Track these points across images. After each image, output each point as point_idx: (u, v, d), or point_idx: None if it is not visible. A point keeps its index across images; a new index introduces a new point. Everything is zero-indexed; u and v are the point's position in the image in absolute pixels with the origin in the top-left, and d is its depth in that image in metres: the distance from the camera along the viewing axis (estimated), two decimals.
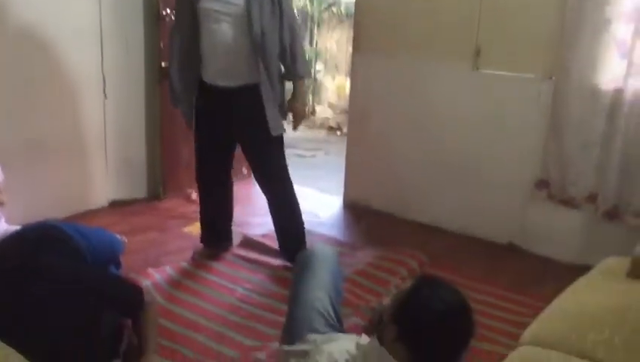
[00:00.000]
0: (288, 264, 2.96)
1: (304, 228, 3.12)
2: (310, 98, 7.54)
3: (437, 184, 3.69)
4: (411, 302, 1.47)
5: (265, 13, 2.68)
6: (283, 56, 2.80)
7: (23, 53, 3.21)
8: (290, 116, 3.00)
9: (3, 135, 3.16)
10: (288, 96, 2.95)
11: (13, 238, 2.33)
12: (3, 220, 3.02)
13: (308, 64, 2.96)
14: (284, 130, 2.90)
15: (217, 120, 2.89)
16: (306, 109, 2.97)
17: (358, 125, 4.07)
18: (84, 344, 1.89)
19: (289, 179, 3.06)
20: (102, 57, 3.57)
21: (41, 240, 2.27)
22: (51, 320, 1.88)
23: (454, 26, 3.45)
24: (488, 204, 3.49)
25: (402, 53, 3.68)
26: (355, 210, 4.02)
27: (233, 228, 3.25)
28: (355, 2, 3.98)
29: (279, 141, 2.93)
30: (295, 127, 3.03)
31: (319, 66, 7.53)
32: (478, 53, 3.37)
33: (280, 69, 2.84)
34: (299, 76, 2.87)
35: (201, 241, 3.20)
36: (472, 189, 3.55)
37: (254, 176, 3.08)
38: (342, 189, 4.21)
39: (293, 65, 2.82)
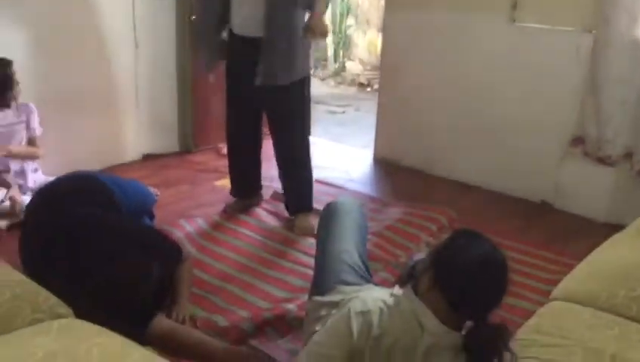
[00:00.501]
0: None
1: (311, 189, 3.09)
2: (340, 54, 7.46)
3: (469, 141, 3.64)
4: (448, 250, 1.49)
5: None
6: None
7: (56, 5, 3.23)
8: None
9: (40, 88, 3.20)
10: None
11: (52, 187, 2.39)
12: (40, 171, 3.10)
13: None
14: (284, 82, 2.75)
15: (245, 72, 2.82)
16: (326, 28, 2.75)
17: (390, 81, 4.02)
18: (135, 294, 1.94)
19: (303, 139, 3.00)
20: (133, 7, 3.57)
21: (78, 191, 2.32)
22: (99, 268, 1.93)
23: None
24: (522, 161, 3.44)
25: (436, 7, 3.60)
26: (385, 166, 4.01)
27: (263, 182, 3.27)
28: None
29: (300, 97, 2.87)
30: (312, 38, 2.77)
31: (350, 21, 7.42)
32: (514, 5, 3.28)
33: (300, 20, 2.72)
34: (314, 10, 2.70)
35: (231, 194, 3.23)
36: (505, 146, 3.50)
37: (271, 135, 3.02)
38: (372, 146, 4.19)
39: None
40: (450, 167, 3.73)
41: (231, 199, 3.22)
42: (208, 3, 2.84)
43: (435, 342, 1.43)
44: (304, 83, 2.91)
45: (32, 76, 3.14)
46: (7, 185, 2.84)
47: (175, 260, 2.24)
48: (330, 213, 2.06)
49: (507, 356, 1.39)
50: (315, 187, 3.42)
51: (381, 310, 1.50)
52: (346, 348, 1.47)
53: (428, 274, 1.48)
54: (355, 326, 1.47)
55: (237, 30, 2.80)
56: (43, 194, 2.36)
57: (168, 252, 2.25)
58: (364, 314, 1.49)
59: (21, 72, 3.00)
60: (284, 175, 3.07)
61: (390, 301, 1.53)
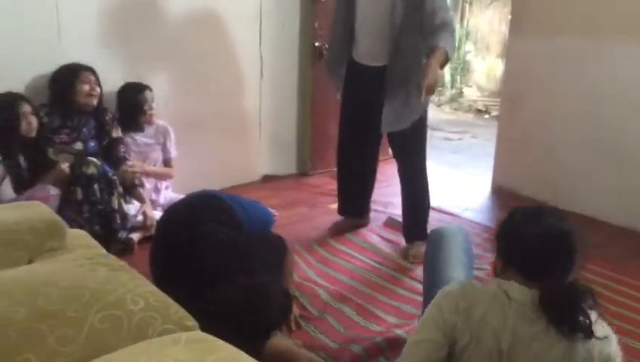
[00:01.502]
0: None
1: (427, 217, 3.08)
2: (458, 79, 7.36)
3: (596, 173, 3.45)
4: (506, 224, 1.54)
5: (409, 3, 2.66)
6: (426, 37, 2.71)
7: (190, 33, 3.45)
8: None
9: (173, 110, 3.42)
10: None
11: (180, 205, 2.53)
12: (170, 189, 3.30)
13: (452, 43, 2.74)
14: (404, 126, 2.81)
15: (363, 98, 2.93)
16: (435, 80, 2.65)
17: (511, 109, 3.90)
18: (257, 313, 2.00)
19: (423, 166, 3.01)
20: (260, 38, 3.74)
21: (204, 209, 2.44)
22: (223, 286, 2.01)
23: (625, 2, 3.18)
24: None
25: (565, 34, 3.47)
26: (503, 196, 3.88)
27: (376, 206, 3.27)
28: None
29: (418, 128, 2.89)
30: (424, 99, 2.70)
31: (469, 47, 7.32)
32: None
33: (421, 57, 2.74)
34: (436, 44, 2.66)
35: (339, 212, 3.29)
36: (636, 179, 3.28)
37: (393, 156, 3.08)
38: (489, 174, 4.08)
39: (435, 35, 2.68)
40: (575, 200, 3.54)
41: (339, 217, 3.28)
42: (339, 34, 2.94)
43: (522, 308, 1.42)
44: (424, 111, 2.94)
45: (168, 99, 3.37)
46: (141, 200, 3.03)
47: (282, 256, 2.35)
48: (435, 240, 2.04)
49: (593, 315, 1.38)
50: (431, 215, 3.38)
51: (467, 286, 1.52)
52: (439, 327, 1.47)
53: (498, 257, 1.53)
54: (444, 303, 1.49)
55: (359, 59, 2.89)
56: (172, 211, 2.50)
57: (277, 251, 2.35)
58: (451, 292, 1.52)
59: (159, 95, 3.23)
60: (404, 200, 3.07)
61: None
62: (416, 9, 2.68)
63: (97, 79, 2.95)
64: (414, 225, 3.05)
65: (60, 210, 2.60)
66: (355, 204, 3.28)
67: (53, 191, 2.69)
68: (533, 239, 1.45)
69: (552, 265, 1.44)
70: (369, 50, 2.85)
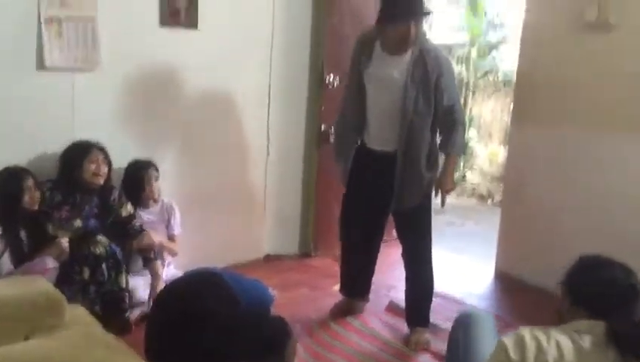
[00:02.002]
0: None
1: (431, 303, 3.08)
2: (461, 165, 7.46)
3: None
4: (577, 268, 1.76)
5: (421, 92, 2.77)
6: (440, 130, 2.87)
7: (201, 113, 3.54)
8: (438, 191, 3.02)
9: (179, 187, 3.46)
10: None
11: (179, 282, 2.51)
12: (172, 266, 3.28)
13: (463, 143, 3.00)
14: (412, 205, 2.90)
15: (372, 181, 2.98)
16: (454, 185, 3.04)
17: (514, 196, 3.94)
18: None
19: (428, 250, 3.04)
20: (268, 118, 3.83)
21: (202, 287, 2.42)
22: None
23: (628, 96, 3.27)
24: None
25: (566, 123, 3.54)
26: (507, 283, 3.85)
27: (380, 289, 3.25)
28: (517, 71, 3.92)
29: (424, 210, 2.97)
30: (442, 203, 3.04)
31: (472, 133, 7.45)
32: None
33: (428, 146, 2.87)
34: (449, 152, 2.92)
35: (341, 291, 3.29)
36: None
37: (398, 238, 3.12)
38: (493, 260, 4.06)
39: (447, 140, 2.88)
40: None
41: (339, 296, 3.27)
42: (349, 120, 3.02)
43: (595, 340, 1.53)
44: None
45: (175, 176, 3.42)
46: (156, 275, 3.02)
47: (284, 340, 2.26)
48: (463, 326, 2.00)
49: None
50: (434, 300, 3.35)
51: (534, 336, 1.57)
52: None
53: (565, 297, 1.70)
54: (509, 343, 1.55)
55: (370, 144, 2.97)
56: (168, 289, 2.47)
57: (279, 334, 2.27)
58: (517, 336, 1.57)
59: (167, 172, 3.28)
60: (408, 284, 3.06)
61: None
62: (429, 99, 2.79)
63: (107, 158, 2.98)
64: (417, 311, 3.02)
65: (59, 286, 2.58)
66: (357, 284, 3.27)
67: (52, 264, 2.67)
68: (604, 280, 1.65)
69: (619, 304, 1.60)
70: (380, 135, 2.92)
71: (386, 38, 2.82)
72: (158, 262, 3.09)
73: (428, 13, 2.86)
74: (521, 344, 1.54)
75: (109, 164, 3.00)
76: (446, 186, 2.94)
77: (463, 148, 3.07)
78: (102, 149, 2.97)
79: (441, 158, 2.98)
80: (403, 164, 2.84)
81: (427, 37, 2.91)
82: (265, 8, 3.69)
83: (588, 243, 3.47)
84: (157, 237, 3.16)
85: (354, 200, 3.11)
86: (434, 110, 2.81)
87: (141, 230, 3.07)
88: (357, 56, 2.96)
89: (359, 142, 3.01)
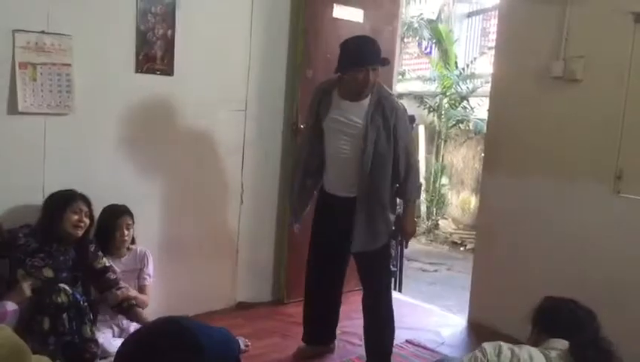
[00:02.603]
0: None
1: (391, 350, 3.11)
2: (434, 211, 7.52)
3: None
4: (543, 304, 2.24)
5: (381, 137, 2.87)
6: (396, 178, 2.95)
7: (176, 160, 3.53)
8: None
9: (152, 234, 3.42)
10: None
11: (141, 333, 2.45)
12: (143, 315, 3.20)
13: (419, 188, 3.14)
14: (376, 247, 2.96)
15: (333, 227, 3.05)
16: (414, 229, 3.20)
17: (486, 243, 3.97)
18: None
19: (388, 295, 3.11)
20: (242, 166, 3.84)
21: (164, 336, 2.36)
22: None
23: (592, 146, 3.36)
24: (636, 334, 3.19)
25: (535, 173, 3.62)
26: (480, 332, 3.83)
27: (351, 338, 3.23)
28: (487, 121, 4.02)
29: (383, 256, 3.06)
30: (406, 245, 3.30)
31: (444, 181, 7.55)
32: (619, 176, 3.24)
33: (388, 190, 2.95)
34: (407, 198, 3.04)
35: (303, 339, 3.29)
36: (614, 320, 3.27)
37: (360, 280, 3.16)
38: (465, 308, 4.06)
39: (404, 188, 2.99)
40: None
41: (302, 344, 3.29)
42: (307, 166, 3.09)
43: (560, 353, 1.97)
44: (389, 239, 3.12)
45: (148, 222, 3.38)
46: (142, 321, 2.96)
47: None
48: None
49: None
50: (406, 348, 3.34)
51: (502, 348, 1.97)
52: None
53: (534, 327, 2.15)
54: (488, 347, 1.96)
55: (329, 190, 3.05)
56: (129, 340, 2.41)
57: None
58: (495, 343, 1.97)
59: (139, 219, 3.24)
60: (367, 330, 3.09)
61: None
62: (389, 142, 2.89)
63: (90, 210, 2.93)
64: (379, 358, 3.05)
65: (22, 335, 2.50)
66: (321, 331, 3.30)
67: (11, 307, 2.58)
68: (566, 311, 2.12)
69: (579, 327, 2.05)
70: (340, 181, 3.00)
71: (345, 85, 2.93)
72: (139, 309, 3.02)
73: (385, 61, 2.94)
74: (498, 348, 1.93)
75: (92, 217, 2.95)
76: (408, 230, 3.08)
77: (419, 193, 3.22)
78: (87, 201, 2.92)
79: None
80: (363, 209, 2.90)
81: (383, 86, 3.02)
82: (241, 58, 3.74)
83: (558, 290, 3.51)
84: (131, 290, 3.09)
85: (315, 246, 3.20)
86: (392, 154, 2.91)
87: (116, 284, 3.00)
88: (315, 103, 3.05)
89: (319, 188, 3.09)
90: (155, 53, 3.33)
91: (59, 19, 2.97)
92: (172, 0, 3.35)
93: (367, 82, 2.84)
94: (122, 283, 3.03)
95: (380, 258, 3.03)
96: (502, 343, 1.95)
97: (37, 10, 2.91)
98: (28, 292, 2.66)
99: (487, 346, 1.94)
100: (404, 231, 3.08)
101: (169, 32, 3.36)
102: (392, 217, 3.02)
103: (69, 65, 3.02)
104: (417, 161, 3.11)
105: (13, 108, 2.89)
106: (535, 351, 1.93)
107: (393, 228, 3.04)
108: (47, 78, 2.96)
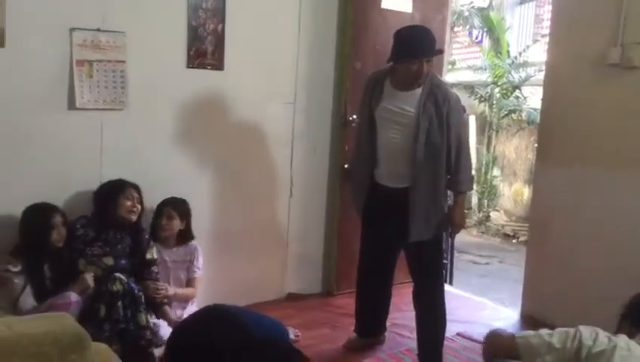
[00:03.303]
0: None
1: (442, 343, 3.07)
2: (485, 203, 7.40)
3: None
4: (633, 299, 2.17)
5: (433, 126, 2.83)
6: (448, 169, 2.90)
7: (228, 154, 3.60)
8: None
9: (204, 227, 3.48)
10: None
11: (189, 321, 2.51)
12: (195, 305, 3.29)
13: (471, 180, 3.08)
14: (430, 236, 2.93)
15: (383, 218, 3.03)
16: (464, 221, 3.15)
17: (539, 235, 3.88)
18: None
19: (440, 287, 3.07)
20: (291, 159, 3.87)
21: (214, 323, 2.41)
22: None
23: None
24: None
25: (591, 163, 3.51)
26: (533, 325, 3.76)
27: (402, 330, 3.23)
28: (541, 110, 3.92)
29: (435, 246, 3.01)
30: (452, 236, 3.19)
31: (496, 172, 7.42)
32: None
33: (442, 179, 2.92)
34: (458, 190, 2.98)
35: (355, 331, 3.29)
36: None
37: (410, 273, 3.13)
38: (518, 301, 3.99)
39: (455, 179, 2.92)
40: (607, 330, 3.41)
41: (354, 335, 3.30)
42: (363, 156, 3.08)
43: None
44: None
45: (199, 215, 3.44)
46: (168, 320, 3.01)
47: None
48: None
49: None
50: (457, 341, 3.31)
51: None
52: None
53: (625, 320, 2.04)
54: (585, 331, 1.82)
55: (381, 181, 3.02)
56: (180, 328, 2.48)
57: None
58: (592, 328, 1.84)
59: (194, 211, 3.32)
60: (419, 323, 3.06)
61: None
62: (441, 131, 2.84)
63: (140, 197, 3.04)
64: (429, 353, 3.03)
65: (83, 325, 2.60)
66: (372, 322, 3.30)
67: (75, 298, 2.71)
68: None
69: None
70: (391, 172, 2.96)
71: (398, 76, 2.90)
72: (167, 308, 3.08)
73: (439, 52, 2.91)
74: (595, 334, 1.79)
75: (142, 203, 3.05)
76: (457, 221, 3.02)
77: (471, 184, 3.14)
78: (136, 188, 3.03)
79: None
80: (416, 199, 2.88)
81: (436, 75, 2.99)
82: (289, 51, 3.77)
83: (614, 282, 3.41)
84: (168, 288, 3.15)
85: (366, 238, 3.18)
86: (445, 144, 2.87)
87: (157, 278, 3.08)
88: (368, 93, 3.03)
89: (371, 179, 3.06)
90: (205, 48, 3.38)
91: (113, 17, 3.06)
92: None
93: (421, 74, 2.81)
94: (160, 282, 3.09)
95: (432, 249, 2.99)
96: (599, 329, 1.83)
97: (93, 8, 3.01)
98: (91, 282, 2.77)
99: (584, 329, 1.82)
100: (453, 222, 3.02)
101: (219, 26, 3.41)
102: (445, 208, 2.99)
103: (124, 61, 3.10)
104: (469, 152, 3.04)
105: (71, 104, 3.00)
106: (632, 343, 1.81)
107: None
108: (102, 74, 3.05)
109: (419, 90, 2.86)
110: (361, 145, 3.10)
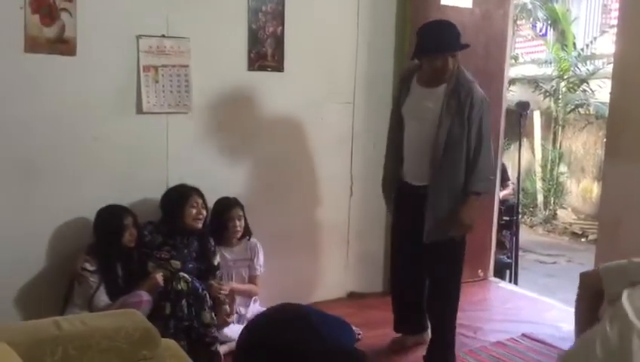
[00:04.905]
0: None
1: (453, 343, 3.02)
2: (551, 201, 7.19)
3: None
4: None
5: (455, 124, 2.78)
6: (465, 168, 2.83)
7: (287, 153, 3.65)
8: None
9: (264, 226, 3.53)
10: None
11: (260, 319, 2.55)
12: (257, 303, 3.35)
13: (487, 181, 2.91)
14: (444, 238, 2.87)
15: (407, 216, 3.01)
16: (473, 223, 2.90)
17: (610, 234, 3.74)
18: None
19: (454, 287, 3.01)
20: (351, 158, 3.88)
21: (284, 323, 2.44)
22: None
23: None
24: None
25: None
26: None
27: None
28: (610, 104, 3.78)
29: (453, 249, 2.93)
30: (456, 237, 2.91)
31: (562, 168, 7.20)
32: None
33: (460, 179, 2.84)
34: (471, 189, 2.84)
35: (395, 329, 3.27)
36: None
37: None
38: None
39: (469, 178, 2.82)
40: None
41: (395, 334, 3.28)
42: (393, 154, 3.09)
43: None
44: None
45: (261, 214, 3.51)
46: (222, 319, 3.04)
47: None
48: None
49: None
50: (523, 342, 3.25)
51: None
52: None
53: None
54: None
55: (406, 178, 3.01)
56: (250, 326, 2.52)
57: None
58: None
59: (252, 210, 3.38)
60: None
61: None
62: (462, 130, 2.80)
63: (204, 202, 3.11)
64: (437, 346, 3.02)
65: (150, 320, 2.69)
66: (408, 320, 3.25)
67: (146, 296, 2.80)
68: None
69: None
70: (415, 169, 2.95)
71: (423, 71, 2.89)
72: (226, 308, 3.10)
73: (464, 46, 2.85)
74: None
75: (207, 207, 3.13)
76: (464, 221, 2.85)
77: (487, 186, 2.94)
78: (200, 193, 3.11)
79: None
80: (434, 198, 2.84)
81: (464, 71, 2.89)
82: (348, 51, 3.78)
83: None
84: (230, 284, 3.21)
85: (393, 235, 3.17)
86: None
87: (220, 278, 3.16)
88: (397, 91, 3.05)
89: (399, 178, 3.04)
90: (265, 51, 3.44)
91: (177, 23, 3.16)
92: None
93: (446, 69, 2.78)
94: (222, 281, 3.16)
95: (448, 251, 2.91)
96: None
97: (157, 16, 3.11)
98: (161, 281, 2.87)
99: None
100: (461, 223, 2.85)
101: (279, 29, 3.46)
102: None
103: (187, 66, 3.20)
104: (490, 153, 2.87)
105: (139, 109, 3.11)
106: None
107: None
108: (167, 79, 3.15)
109: (443, 87, 2.83)
110: (389, 142, 3.10)
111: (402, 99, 2.97)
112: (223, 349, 2.94)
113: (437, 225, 2.85)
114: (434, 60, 2.77)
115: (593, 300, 2.07)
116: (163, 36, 3.13)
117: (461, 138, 2.80)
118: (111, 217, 2.91)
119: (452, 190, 2.84)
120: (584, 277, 2.18)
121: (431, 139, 2.83)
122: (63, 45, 2.88)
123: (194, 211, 3.04)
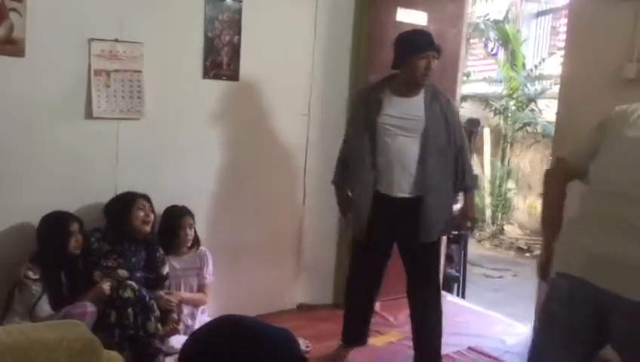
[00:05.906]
0: None
1: (440, 345, 3.10)
2: (499, 216, 7.36)
3: None
4: None
5: (441, 128, 2.89)
6: (455, 173, 2.96)
7: (238, 162, 3.62)
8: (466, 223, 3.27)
9: (214, 236, 3.50)
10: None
11: (202, 331, 2.52)
12: (206, 314, 3.31)
13: (476, 177, 3.21)
14: (435, 239, 3.03)
15: (388, 227, 3.01)
16: (477, 217, 3.23)
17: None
18: None
19: (438, 289, 3.18)
20: (305, 169, 3.88)
21: (227, 334, 2.42)
22: None
23: None
24: None
25: None
26: None
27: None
28: (556, 124, 3.90)
29: (437, 251, 3.13)
30: (472, 230, 3.27)
31: (510, 185, 7.38)
32: None
33: (450, 180, 2.98)
34: (468, 189, 3.07)
35: (345, 341, 3.29)
36: None
37: (408, 282, 3.14)
38: (531, 315, 3.95)
39: (464, 177, 3.00)
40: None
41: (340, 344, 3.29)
42: (363, 172, 3.02)
43: None
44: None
45: (210, 223, 3.48)
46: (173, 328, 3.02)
47: None
48: None
49: None
50: (468, 355, 3.30)
51: None
52: None
53: None
54: None
55: (386, 191, 2.96)
56: (192, 338, 2.49)
57: None
58: None
59: (203, 220, 3.34)
60: (417, 339, 3.11)
61: None
62: (448, 133, 2.92)
63: (152, 206, 3.07)
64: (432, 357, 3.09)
65: (95, 331, 2.62)
66: (359, 330, 3.30)
67: (91, 308, 2.72)
68: None
69: None
70: (396, 181, 2.94)
71: (399, 81, 2.93)
72: (174, 316, 3.07)
73: (441, 49, 2.93)
74: None
75: (154, 212, 3.08)
76: (472, 215, 3.15)
77: (477, 182, 3.28)
78: (146, 197, 3.06)
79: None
80: (427, 201, 2.90)
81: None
82: (304, 63, 3.79)
83: None
84: (178, 293, 3.17)
85: (362, 247, 3.15)
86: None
87: (168, 291, 3.11)
88: (362, 108, 3.02)
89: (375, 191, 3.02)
90: (221, 59, 3.42)
91: (131, 27, 3.11)
92: (239, 7, 3.43)
93: (429, 70, 2.83)
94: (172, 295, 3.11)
95: (433, 252, 3.07)
96: None
97: (111, 19, 3.05)
98: (108, 291, 2.79)
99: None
100: (470, 217, 3.14)
101: (235, 38, 3.45)
102: (455, 209, 3.10)
103: (140, 71, 3.14)
104: (468, 151, 3.14)
105: (88, 114, 3.04)
106: None
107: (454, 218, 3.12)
108: (119, 84, 3.09)
109: (421, 95, 2.90)
110: (358, 161, 3.02)
111: (375, 114, 2.92)
112: (169, 361, 2.88)
113: (437, 223, 2.95)
114: (419, 61, 2.82)
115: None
116: (116, 40, 3.07)
117: (448, 140, 2.91)
118: (56, 223, 2.83)
119: (444, 192, 2.97)
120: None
121: (420, 147, 2.89)
122: (11, 46, 2.79)
123: (141, 213, 2.99)
